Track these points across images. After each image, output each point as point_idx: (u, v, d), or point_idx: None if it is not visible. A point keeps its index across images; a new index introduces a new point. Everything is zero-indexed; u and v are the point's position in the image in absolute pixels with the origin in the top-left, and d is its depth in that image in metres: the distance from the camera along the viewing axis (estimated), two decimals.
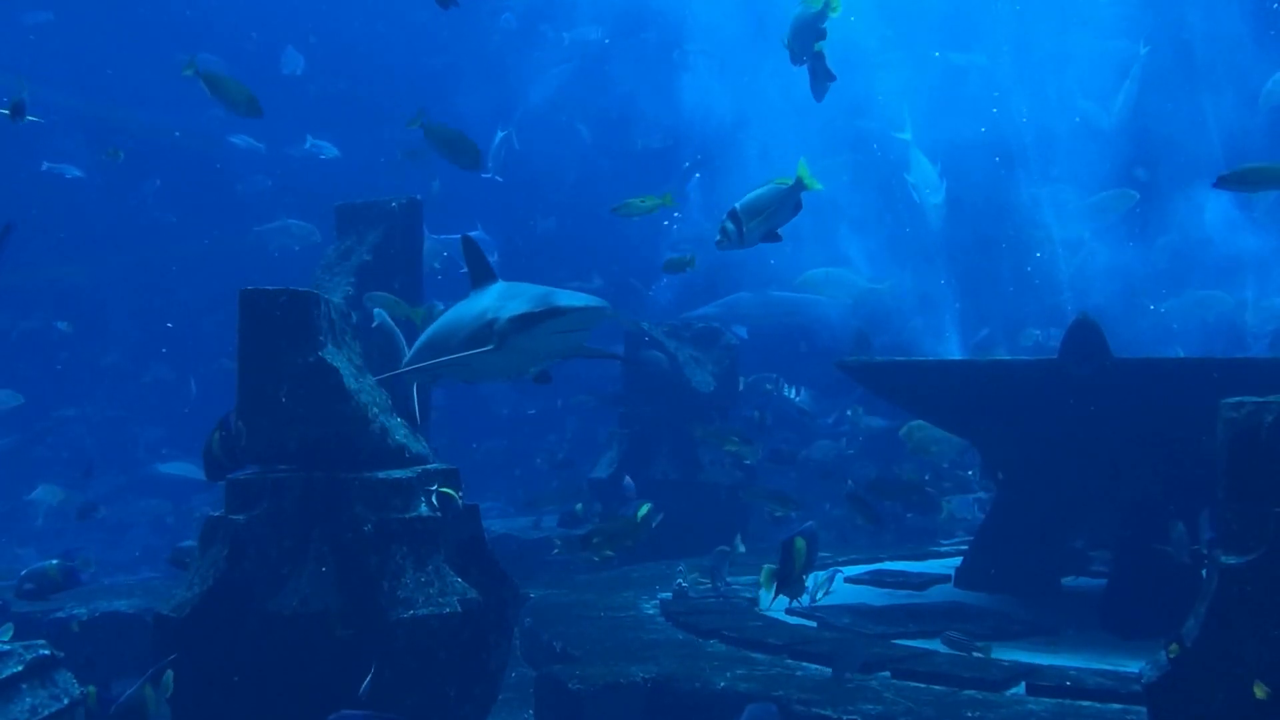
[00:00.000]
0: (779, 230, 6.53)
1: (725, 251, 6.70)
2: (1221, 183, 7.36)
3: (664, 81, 19.82)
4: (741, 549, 10.06)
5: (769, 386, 15.05)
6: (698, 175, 19.80)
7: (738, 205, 6.41)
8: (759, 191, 6.44)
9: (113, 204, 19.21)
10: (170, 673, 5.54)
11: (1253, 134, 13.41)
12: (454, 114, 20.74)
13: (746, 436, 12.15)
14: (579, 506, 12.36)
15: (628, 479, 11.92)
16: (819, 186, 6.45)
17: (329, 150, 17.70)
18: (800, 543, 6.59)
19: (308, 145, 17.78)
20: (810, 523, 7.25)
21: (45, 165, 17.98)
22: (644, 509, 7.74)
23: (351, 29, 21.63)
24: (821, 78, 7.41)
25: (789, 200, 6.35)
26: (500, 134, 16.19)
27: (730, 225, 6.37)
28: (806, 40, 7.40)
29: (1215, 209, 14.15)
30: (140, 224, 20.37)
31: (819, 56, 7.37)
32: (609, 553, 8.05)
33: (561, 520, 12.77)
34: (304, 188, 18.34)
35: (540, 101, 20.95)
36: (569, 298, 5.97)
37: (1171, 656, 5.01)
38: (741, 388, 15.04)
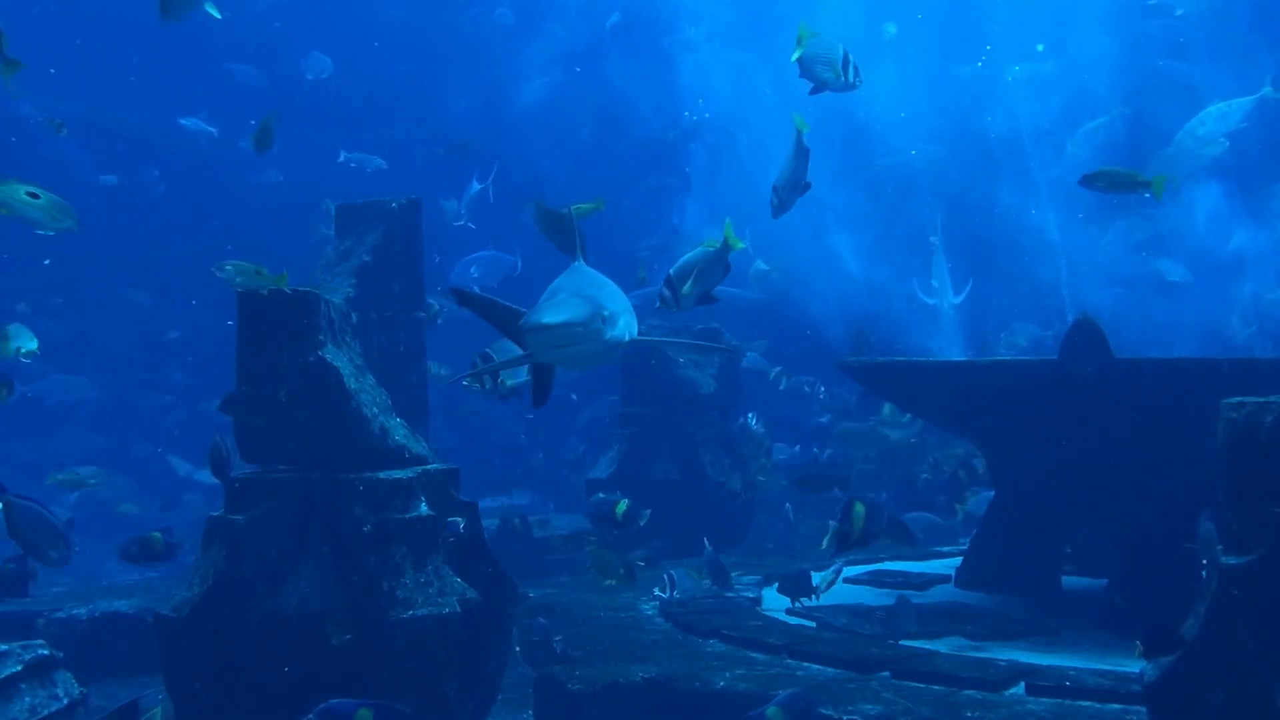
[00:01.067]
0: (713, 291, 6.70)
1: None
2: (1085, 182, 7.86)
3: (656, 72, 19.77)
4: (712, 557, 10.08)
5: (807, 389, 15.02)
6: (692, 148, 19.72)
7: (671, 271, 6.61)
8: (690, 255, 6.58)
9: (114, 201, 19.11)
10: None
11: (1246, 134, 13.41)
12: (443, 113, 20.73)
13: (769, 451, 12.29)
14: (516, 520, 12.36)
15: (600, 494, 11.72)
16: (741, 245, 6.67)
17: (374, 162, 16.94)
18: (860, 507, 6.80)
19: (342, 159, 16.93)
20: (876, 495, 7.28)
21: (101, 178, 17.91)
22: (621, 505, 7.72)
23: (341, 27, 21.53)
24: (797, 186, 7.26)
25: (718, 262, 6.49)
26: (477, 185, 16.03)
27: (667, 291, 6.58)
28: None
29: (1206, 205, 14.20)
30: (141, 220, 20.23)
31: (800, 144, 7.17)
32: (613, 579, 8.02)
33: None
34: (310, 185, 18.26)
35: (531, 103, 20.86)
36: (538, 313, 5.63)
37: (1139, 655, 5.04)
38: (783, 387, 15.05)
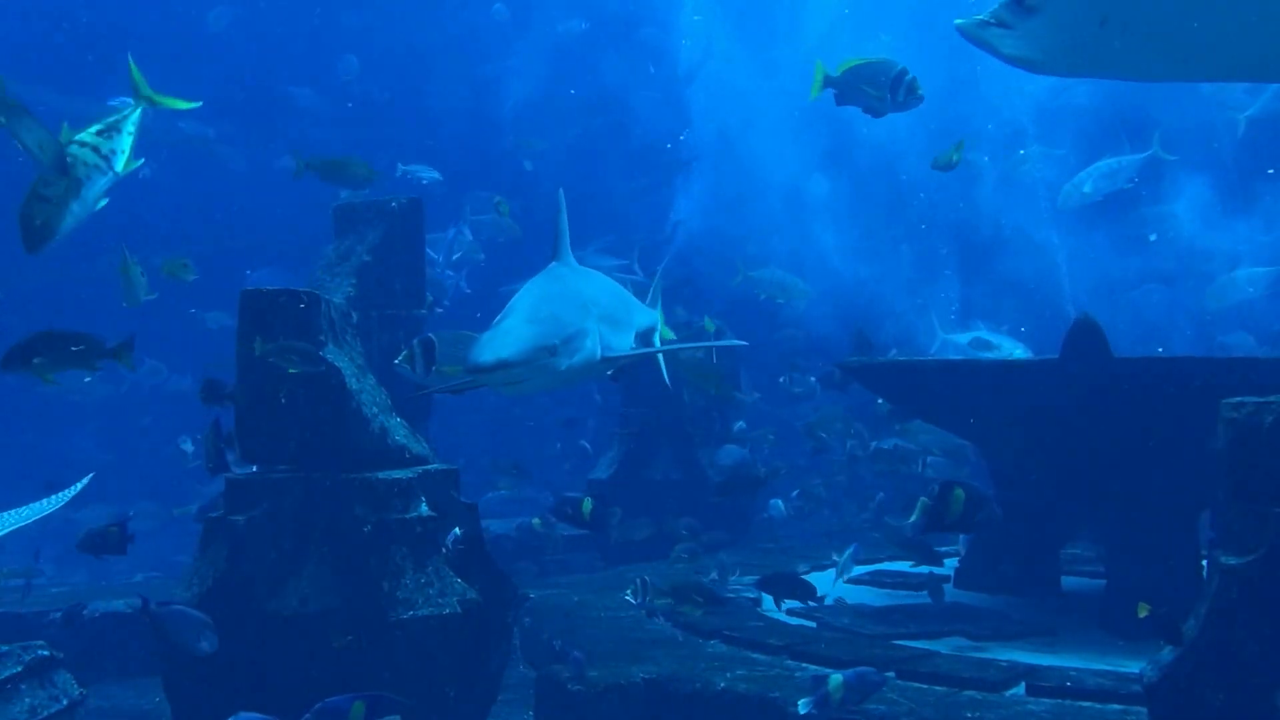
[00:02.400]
0: None
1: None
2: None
3: (648, 70, 19.75)
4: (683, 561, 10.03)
5: (797, 389, 14.93)
6: (671, 144, 19.59)
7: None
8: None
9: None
10: None
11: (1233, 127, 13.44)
12: (430, 110, 20.64)
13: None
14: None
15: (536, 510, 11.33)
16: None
17: (429, 174, 16.32)
18: (959, 491, 6.49)
19: (399, 173, 16.21)
20: (982, 489, 6.88)
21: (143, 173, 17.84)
22: (587, 504, 7.69)
23: (332, 25, 21.47)
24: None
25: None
26: (469, 236, 16.02)
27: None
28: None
29: (1198, 204, 14.24)
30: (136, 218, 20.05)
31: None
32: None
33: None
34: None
35: (518, 101, 20.78)
36: (476, 349, 5.04)
37: (1141, 612, 5.08)
38: (799, 390, 14.98)
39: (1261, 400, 4.87)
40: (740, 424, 14.57)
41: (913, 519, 6.73)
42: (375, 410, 7.03)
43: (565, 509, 7.98)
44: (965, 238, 16.09)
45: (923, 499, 6.69)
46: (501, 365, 4.95)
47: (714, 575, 9.56)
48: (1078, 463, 8.67)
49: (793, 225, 16.55)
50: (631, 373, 14.11)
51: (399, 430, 7.21)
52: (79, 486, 7.66)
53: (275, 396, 6.70)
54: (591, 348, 5.32)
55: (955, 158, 8.84)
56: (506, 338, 5.09)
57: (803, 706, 5.79)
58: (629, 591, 8.99)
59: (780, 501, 12.83)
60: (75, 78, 18.43)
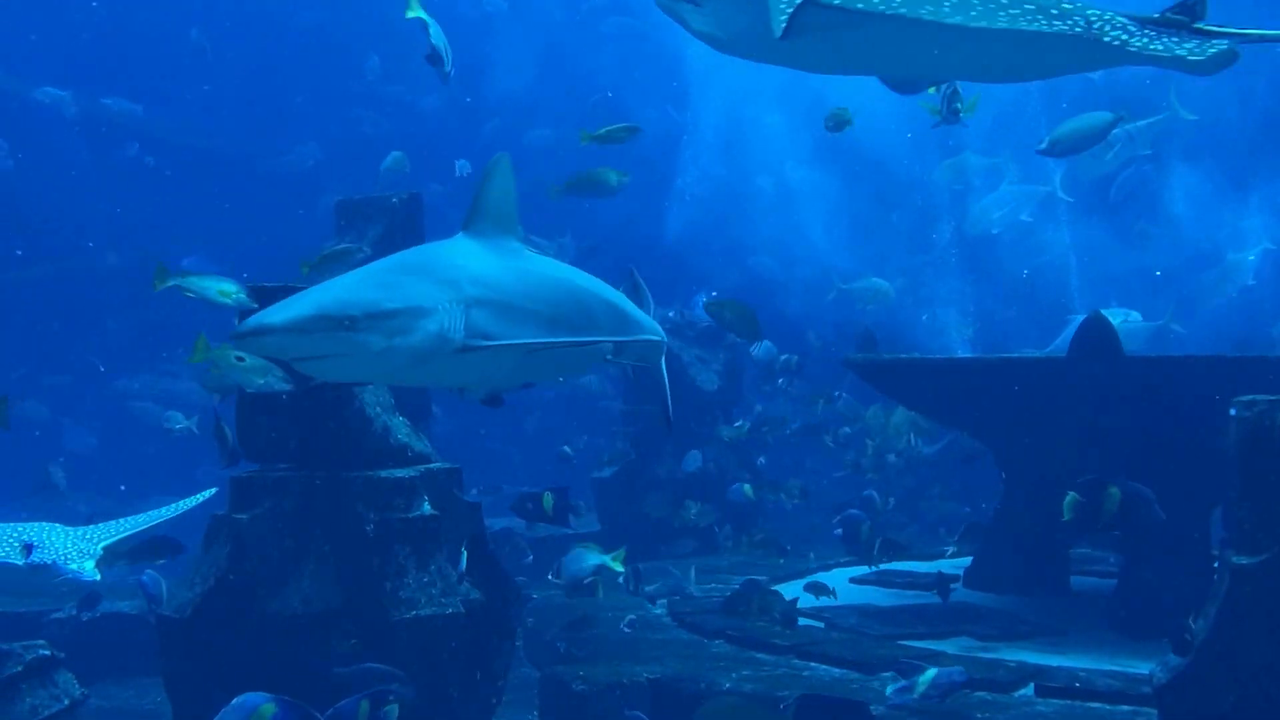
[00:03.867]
0: None
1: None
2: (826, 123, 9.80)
3: (638, 67, 19.65)
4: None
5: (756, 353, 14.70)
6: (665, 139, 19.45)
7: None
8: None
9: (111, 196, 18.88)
10: None
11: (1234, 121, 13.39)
12: (421, 107, 20.54)
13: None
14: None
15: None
16: (622, 569, 8.22)
17: (463, 168, 15.69)
18: (1115, 490, 6.32)
19: (459, 173, 15.64)
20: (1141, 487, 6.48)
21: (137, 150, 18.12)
22: (548, 499, 7.62)
23: (323, 19, 21.46)
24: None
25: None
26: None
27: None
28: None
29: (1196, 200, 14.20)
30: (136, 212, 19.91)
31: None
32: None
33: None
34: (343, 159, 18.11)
35: (506, 96, 20.68)
36: (250, 317, 4.19)
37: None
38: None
39: (1273, 399, 4.83)
40: (744, 422, 14.46)
41: (1065, 519, 6.48)
42: (378, 409, 7.00)
43: (526, 505, 7.79)
44: (965, 235, 16.01)
45: (1072, 494, 6.46)
46: (262, 331, 4.03)
47: (621, 580, 8.91)
48: (1087, 461, 8.61)
49: (792, 223, 16.48)
50: (634, 368, 14.06)
51: (401, 429, 7.18)
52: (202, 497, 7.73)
53: (277, 395, 6.66)
54: (439, 331, 4.31)
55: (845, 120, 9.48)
56: (290, 303, 4.22)
57: (889, 689, 6.12)
58: (550, 574, 8.80)
59: (748, 486, 12.61)
60: (73, 79, 18.50)
